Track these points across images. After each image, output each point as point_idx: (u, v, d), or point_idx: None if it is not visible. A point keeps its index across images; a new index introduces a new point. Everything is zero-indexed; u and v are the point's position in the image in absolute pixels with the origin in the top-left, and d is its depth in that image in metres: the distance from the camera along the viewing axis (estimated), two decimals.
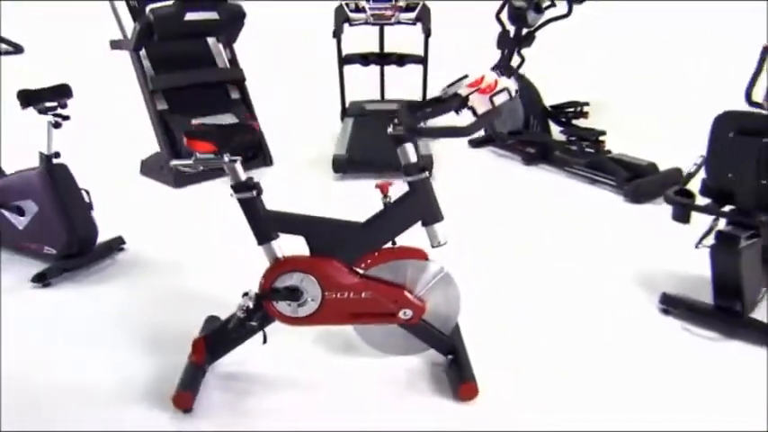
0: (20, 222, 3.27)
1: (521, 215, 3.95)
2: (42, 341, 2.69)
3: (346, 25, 4.94)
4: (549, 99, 4.85)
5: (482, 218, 3.88)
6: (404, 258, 2.35)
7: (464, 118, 2.16)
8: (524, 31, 4.77)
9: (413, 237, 2.33)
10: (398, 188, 2.32)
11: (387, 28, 5.10)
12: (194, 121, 4.50)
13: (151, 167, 4.67)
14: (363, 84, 5.32)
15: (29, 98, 3.02)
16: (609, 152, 4.46)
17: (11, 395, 2.35)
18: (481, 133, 4.85)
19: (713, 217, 2.62)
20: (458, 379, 2.31)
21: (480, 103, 2.09)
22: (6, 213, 3.28)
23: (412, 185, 2.27)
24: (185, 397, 2.23)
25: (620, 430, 2.13)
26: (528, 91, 4.84)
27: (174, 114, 4.54)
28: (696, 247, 2.62)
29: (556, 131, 4.82)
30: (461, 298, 2.40)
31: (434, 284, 2.36)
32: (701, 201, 2.67)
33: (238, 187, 2.23)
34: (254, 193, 2.23)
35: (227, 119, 4.70)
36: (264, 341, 2.31)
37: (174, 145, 4.48)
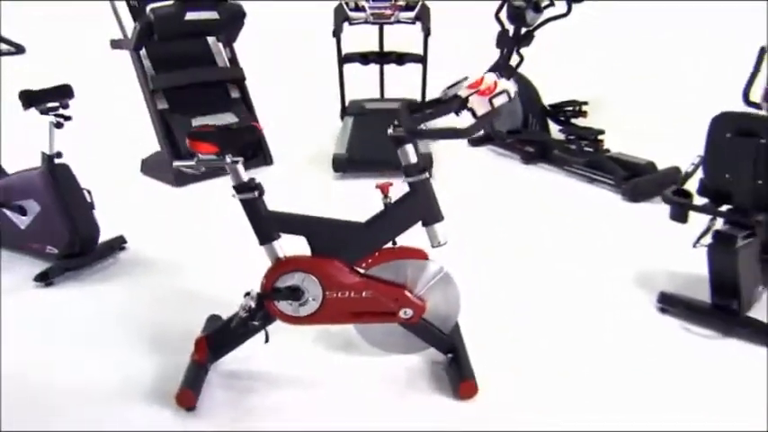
0: (22, 222, 3.29)
1: (519, 214, 3.97)
2: (45, 340, 2.71)
3: (346, 24, 4.94)
4: (548, 98, 4.88)
5: (481, 217, 3.90)
6: (404, 258, 2.37)
7: (464, 119, 2.18)
8: (523, 30, 4.78)
9: (413, 237, 2.35)
10: (399, 188, 2.34)
11: (386, 27, 5.10)
12: (195, 122, 4.54)
13: (152, 166, 4.69)
14: (363, 83, 5.33)
15: (31, 99, 3.04)
16: (607, 151, 4.48)
17: (13, 394, 2.36)
18: (480, 132, 4.86)
19: (710, 217, 2.64)
20: (458, 377, 2.33)
21: (480, 105, 2.11)
22: (8, 213, 3.30)
23: (412, 186, 2.29)
24: (188, 395, 2.25)
25: (620, 430, 2.15)
26: (527, 90, 4.86)
27: (175, 113, 4.56)
28: (694, 246, 2.65)
29: (555, 130, 4.84)
30: (461, 297, 2.42)
31: (434, 284, 2.38)
32: (699, 200, 2.69)
33: (240, 188, 2.25)
34: (256, 193, 2.26)
35: (228, 118, 4.72)
36: (267, 340, 2.34)
37: (174, 144, 4.51)
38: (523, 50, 4.85)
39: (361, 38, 5.16)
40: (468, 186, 4.45)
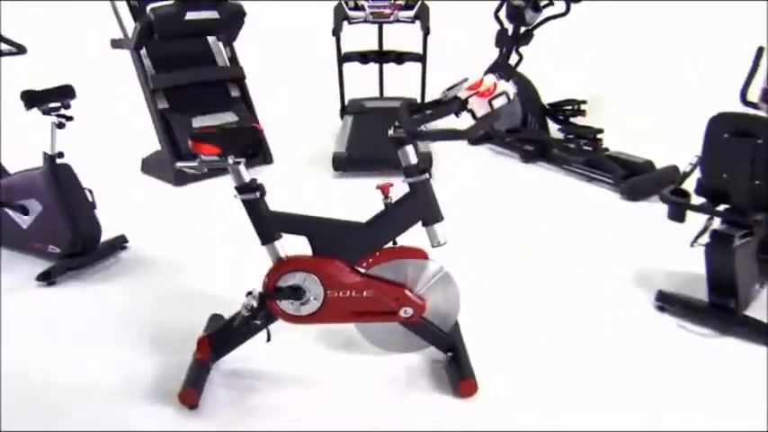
0: (24, 221, 3.31)
1: (519, 213, 3.99)
2: (47, 339, 2.73)
3: (345, 23, 4.95)
4: (547, 97, 4.89)
5: (480, 216, 3.92)
6: (404, 258, 2.39)
7: (464, 120, 2.20)
8: (522, 29, 4.81)
9: (413, 237, 2.37)
10: (399, 188, 2.36)
11: (385, 26, 5.11)
12: (196, 121, 4.56)
13: (152, 165, 4.71)
14: (362, 82, 5.35)
15: (33, 99, 3.05)
16: (606, 150, 4.50)
17: (15, 394, 2.38)
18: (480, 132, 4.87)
19: (708, 216, 2.66)
20: (457, 376, 2.35)
21: (479, 107, 2.13)
22: (10, 212, 3.31)
23: (412, 187, 2.31)
24: (191, 394, 2.27)
25: (620, 430, 2.17)
26: (526, 89, 4.88)
27: (175, 113, 4.58)
28: (691, 245, 2.67)
29: (554, 129, 4.86)
30: (461, 296, 2.45)
31: (434, 283, 2.41)
32: (697, 200, 2.71)
33: (242, 189, 2.27)
34: (258, 194, 2.28)
35: (228, 117, 4.74)
36: (268, 339, 2.36)
37: (174, 143, 4.52)
38: (522, 49, 4.88)
39: (360, 37, 5.17)
40: (467, 185, 4.47)
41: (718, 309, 2.71)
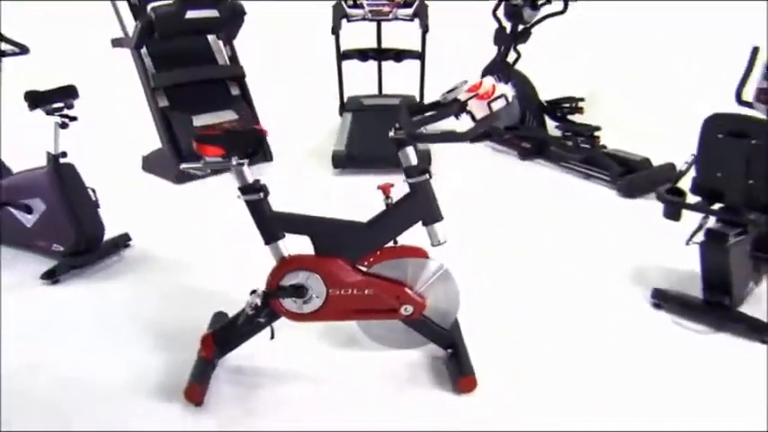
0: (28, 220, 3.34)
1: (516, 210, 4.03)
2: (52, 337, 2.77)
3: (344, 21, 4.98)
4: (545, 94, 4.93)
5: (478, 213, 3.96)
6: (405, 256, 2.43)
7: (463, 122, 2.24)
8: (520, 27, 4.85)
9: (414, 236, 2.41)
10: (399, 187, 2.40)
11: (384, 24, 5.15)
12: (196, 119, 4.59)
13: (153, 163, 4.74)
14: (361, 79, 5.38)
15: (36, 99, 3.07)
16: (604, 147, 4.53)
17: (21, 392, 2.41)
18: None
19: (703, 215, 2.70)
20: (457, 372, 2.40)
21: (479, 109, 2.17)
22: (15, 211, 3.35)
23: (413, 187, 2.35)
24: (196, 390, 2.31)
25: (620, 430, 2.21)
26: (524, 87, 4.92)
27: (175, 111, 4.61)
28: (687, 243, 2.71)
29: (551, 127, 4.89)
30: (460, 294, 2.49)
31: (434, 281, 2.44)
32: (692, 199, 2.75)
33: (245, 189, 2.30)
34: (261, 195, 2.31)
35: (228, 115, 4.78)
36: (272, 337, 2.40)
37: (175, 141, 4.56)
38: (520, 47, 4.92)
39: (359, 35, 5.21)
40: (465, 182, 4.50)
41: (712, 306, 2.75)
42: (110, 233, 3.44)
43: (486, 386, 2.37)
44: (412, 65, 5.18)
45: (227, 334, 2.47)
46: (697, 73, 5.16)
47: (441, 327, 2.50)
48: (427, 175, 2.35)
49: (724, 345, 2.64)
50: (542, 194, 4.31)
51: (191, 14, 4.43)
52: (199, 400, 2.31)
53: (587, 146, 4.54)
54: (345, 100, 5.34)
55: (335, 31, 4.99)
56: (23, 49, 3.44)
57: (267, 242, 2.37)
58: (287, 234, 2.38)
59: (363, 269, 2.42)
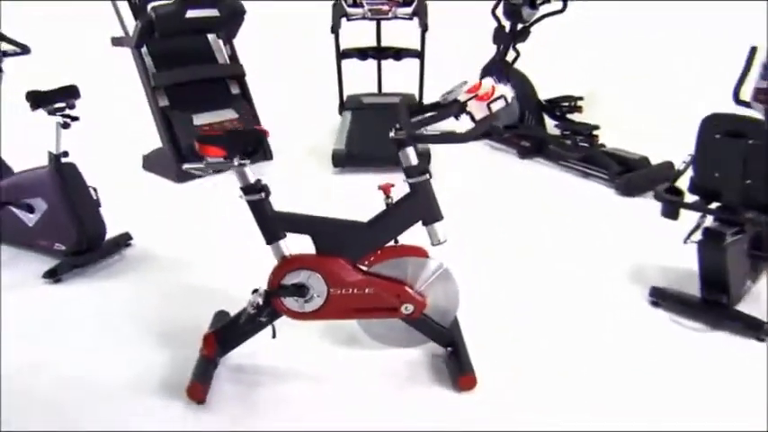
0: (30, 219, 3.36)
1: (515, 209, 4.05)
2: (54, 336, 2.78)
3: (344, 20, 4.99)
4: (544, 93, 4.95)
5: (477, 212, 3.97)
6: (405, 256, 2.45)
7: (463, 123, 2.26)
8: (519, 26, 4.87)
9: (414, 235, 2.43)
10: (399, 186, 2.41)
11: (384, 23, 5.16)
12: (196, 118, 4.60)
13: (153, 162, 4.76)
14: (361, 78, 5.39)
15: (38, 99, 3.08)
16: (603, 146, 4.55)
17: (23, 391, 2.43)
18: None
19: (701, 214, 2.72)
20: (457, 370, 2.42)
21: (478, 110, 2.19)
22: (16, 211, 3.37)
23: (413, 187, 2.37)
24: (199, 388, 2.33)
25: (619, 430, 2.22)
26: (523, 85, 4.94)
27: (176, 110, 4.62)
28: (684, 242, 2.73)
29: (550, 125, 4.91)
30: (460, 292, 2.51)
31: (434, 280, 2.46)
32: (690, 198, 2.77)
33: (247, 190, 2.32)
34: (263, 195, 2.33)
35: (228, 114, 4.79)
36: (274, 336, 2.42)
37: (175, 141, 4.57)
38: (519, 46, 4.93)
39: (359, 34, 5.22)
40: (465, 181, 4.52)
41: (710, 304, 2.77)
42: (111, 232, 3.46)
43: (486, 384, 2.40)
44: (411, 63, 5.19)
45: (228, 333, 2.49)
46: (696, 73, 5.18)
47: (441, 325, 2.52)
48: (427, 175, 2.37)
49: (721, 343, 2.66)
50: (541, 193, 4.33)
51: (191, 14, 4.45)
52: (201, 398, 2.33)
53: (586, 145, 4.54)
54: (345, 98, 5.35)
55: (335, 29, 5.00)
56: (25, 49, 3.46)
57: (269, 242, 2.39)
58: (288, 233, 2.40)
59: (364, 268, 2.44)
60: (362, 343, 2.62)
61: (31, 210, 3.34)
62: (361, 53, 5.27)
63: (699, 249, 2.73)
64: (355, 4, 5.01)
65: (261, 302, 2.35)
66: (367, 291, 2.40)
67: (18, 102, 3.13)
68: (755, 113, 2.77)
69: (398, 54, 5.27)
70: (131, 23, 4.46)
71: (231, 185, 2.37)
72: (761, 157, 2.52)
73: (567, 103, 4.80)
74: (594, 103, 4.90)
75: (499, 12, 4.89)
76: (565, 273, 3.23)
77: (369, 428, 2.23)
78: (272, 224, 2.37)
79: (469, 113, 2.22)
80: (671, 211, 2.77)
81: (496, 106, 2.19)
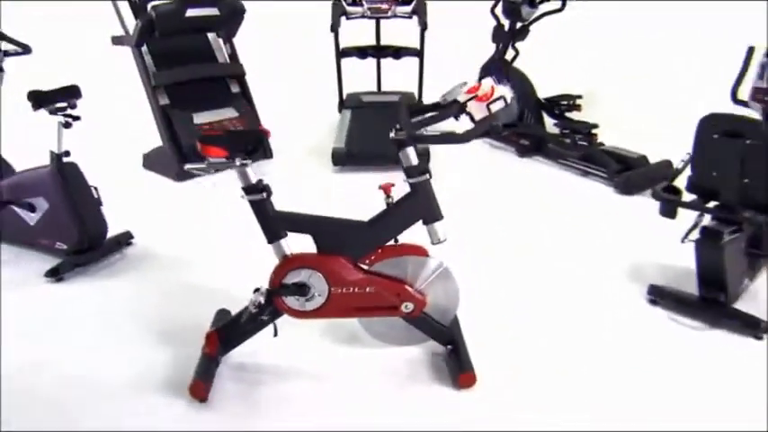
0: (31, 219, 3.37)
1: (514, 208, 4.07)
2: (56, 335, 2.80)
3: (343, 19, 5.01)
4: (543, 92, 4.96)
5: (476, 210, 3.99)
6: (405, 255, 2.47)
7: (462, 123, 2.28)
8: (518, 25, 4.88)
9: (414, 235, 2.44)
10: (399, 186, 2.43)
11: (383, 21, 5.18)
12: (197, 117, 4.62)
13: (153, 161, 4.77)
14: (360, 76, 5.40)
15: (40, 99, 3.09)
16: (601, 145, 4.57)
17: (24, 389, 2.44)
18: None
19: (698, 213, 2.74)
20: (457, 368, 2.44)
21: (478, 110, 2.21)
22: (18, 210, 3.38)
23: (413, 187, 2.39)
24: (201, 387, 2.35)
25: (617, 425, 2.24)
26: (522, 84, 4.95)
27: (176, 109, 4.63)
28: (682, 241, 2.75)
29: (549, 124, 4.92)
30: (459, 291, 2.53)
31: (434, 279, 2.48)
32: (688, 197, 2.79)
33: (249, 190, 2.34)
34: (264, 195, 2.35)
35: (228, 113, 4.81)
36: (275, 334, 2.44)
37: (176, 139, 4.58)
38: (519, 45, 4.95)
39: (358, 32, 5.23)
40: (464, 179, 4.54)
41: (708, 302, 2.79)
42: (112, 231, 3.47)
43: (486, 382, 2.42)
44: (411, 62, 5.20)
45: (230, 331, 2.51)
46: (695, 72, 5.20)
47: (440, 324, 2.54)
48: (427, 175, 2.38)
49: (719, 340, 2.68)
50: (540, 191, 4.35)
51: (191, 13, 4.46)
52: (203, 396, 2.35)
53: (585, 143, 4.59)
54: (345, 97, 5.36)
55: (335, 28, 5.01)
56: (26, 49, 3.47)
57: (270, 241, 2.40)
58: (289, 233, 2.42)
59: (365, 267, 2.46)
60: (363, 341, 2.64)
61: (32, 209, 3.35)
62: (361, 52, 5.28)
63: (696, 248, 2.75)
64: (355, 3, 5.03)
65: (262, 301, 2.37)
66: (368, 289, 2.42)
67: (19, 101, 3.14)
68: (753, 113, 2.80)
69: (398, 53, 5.28)
70: (131, 22, 4.47)
71: (232, 184, 2.39)
72: (758, 157, 2.54)
73: (565, 102, 4.82)
74: (593, 102, 4.92)
75: (498, 10, 4.90)
76: (564, 271, 3.25)
77: (369, 426, 2.25)
78: (274, 224, 2.39)
79: (469, 114, 2.24)
80: (669, 210, 2.78)
81: (496, 107, 2.21)
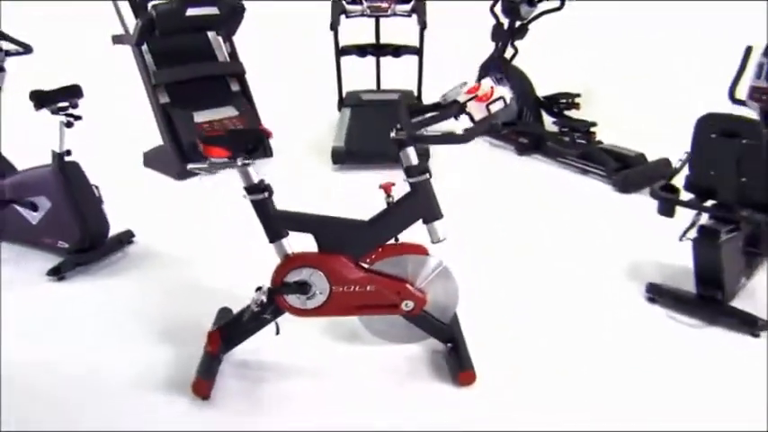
0: (33, 218, 3.39)
1: (513, 206, 4.09)
2: (59, 333, 2.81)
3: (343, 17, 5.02)
4: (542, 90, 4.97)
5: (476, 209, 4.00)
6: (405, 254, 2.49)
7: (462, 123, 2.30)
8: (518, 23, 4.90)
9: (414, 234, 2.46)
10: (399, 186, 2.45)
11: (383, 20, 5.18)
12: (197, 115, 4.63)
13: (154, 159, 4.78)
14: (360, 75, 5.40)
15: (42, 99, 3.11)
16: (600, 143, 4.59)
17: (25, 388, 2.46)
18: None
19: (696, 212, 2.76)
20: (457, 366, 2.46)
21: (477, 111, 2.24)
22: (20, 209, 3.39)
23: (413, 186, 2.41)
24: (203, 385, 2.37)
25: (618, 430, 2.25)
26: (521, 82, 4.96)
27: (176, 107, 4.64)
28: (680, 240, 2.77)
29: (548, 122, 4.94)
30: (459, 289, 2.55)
31: (434, 277, 2.51)
32: (686, 196, 2.80)
33: (251, 189, 2.36)
34: (266, 194, 2.37)
35: (228, 111, 4.82)
36: (277, 332, 2.46)
37: (176, 138, 4.60)
38: (518, 43, 4.96)
39: (357, 31, 5.24)
40: (463, 177, 4.55)
41: (705, 300, 2.81)
42: (113, 230, 3.48)
43: (485, 380, 2.44)
44: (410, 60, 5.21)
45: (232, 330, 2.53)
46: (693, 71, 5.21)
47: (440, 322, 2.57)
48: (427, 175, 2.40)
49: (716, 338, 2.71)
50: (539, 190, 4.36)
51: (191, 12, 4.47)
52: (206, 394, 2.37)
53: (583, 141, 4.61)
54: (344, 95, 5.38)
55: (334, 27, 5.02)
56: (27, 49, 3.48)
57: (272, 240, 2.42)
58: (291, 232, 2.44)
59: (365, 266, 2.48)
60: (363, 339, 2.66)
61: (34, 208, 3.37)
62: (360, 50, 5.29)
63: (694, 246, 2.77)
64: (354, 2, 5.04)
65: (264, 300, 2.39)
66: (368, 288, 2.44)
67: (21, 100, 3.16)
68: (751, 112, 2.82)
69: (397, 51, 5.29)
70: (132, 21, 4.48)
71: (233, 182, 2.40)
72: (755, 157, 2.56)
73: (564, 100, 4.82)
74: (592, 100, 4.93)
75: (498, 9, 4.92)
76: (562, 269, 3.27)
77: (370, 423, 2.27)
78: (275, 223, 2.41)
79: (469, 114, 2.27)
80: (667, 209, 2.80)
81: (495, 107, 2.23)
